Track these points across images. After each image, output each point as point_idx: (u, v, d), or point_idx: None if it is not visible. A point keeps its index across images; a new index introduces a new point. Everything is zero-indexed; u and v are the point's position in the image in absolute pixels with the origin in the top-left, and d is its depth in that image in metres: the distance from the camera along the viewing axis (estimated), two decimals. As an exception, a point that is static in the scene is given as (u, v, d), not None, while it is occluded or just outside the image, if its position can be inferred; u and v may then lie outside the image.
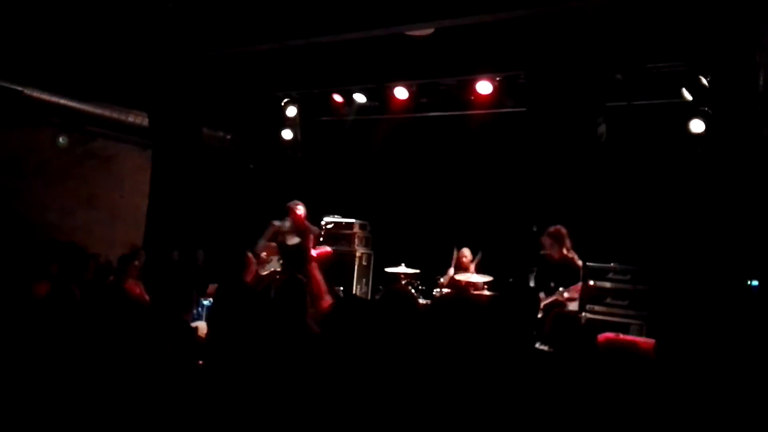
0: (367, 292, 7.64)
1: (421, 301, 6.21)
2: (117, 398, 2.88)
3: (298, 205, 6.40)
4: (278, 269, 6.20)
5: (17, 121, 6.93)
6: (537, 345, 3.31)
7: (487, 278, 6.45)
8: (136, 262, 5.86)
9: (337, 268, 7.18)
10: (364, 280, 7.75)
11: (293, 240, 6.25)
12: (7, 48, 6.28)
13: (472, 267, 6.76)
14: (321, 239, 6.92)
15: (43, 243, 6.36)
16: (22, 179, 7.04)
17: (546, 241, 5.79)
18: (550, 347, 3.17)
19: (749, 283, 5.66)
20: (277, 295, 3.58)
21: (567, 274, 5.70)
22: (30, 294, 4.82)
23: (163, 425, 2.78)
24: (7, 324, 3.84)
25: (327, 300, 5.65)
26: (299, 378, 2.54)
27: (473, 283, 6.49)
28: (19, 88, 6.63)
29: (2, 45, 6.23)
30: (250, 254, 4.78)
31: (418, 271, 7.02)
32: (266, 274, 6.17)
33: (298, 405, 2.45)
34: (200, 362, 3.17)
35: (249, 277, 4.66)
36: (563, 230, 5.81)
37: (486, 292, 6.32)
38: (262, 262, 6.15)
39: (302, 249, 6.19)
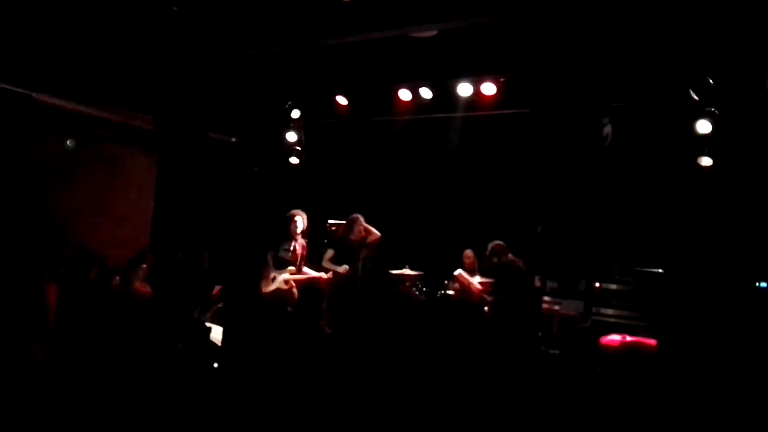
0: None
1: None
2: (128, 394, 2.92)
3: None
4: (284, 287, 6.09)
5: (26, 124, 7.01)
6: (543, 348, 3.31)
7: (488, 279, 6.41)
8: (144, 265, 5.88)
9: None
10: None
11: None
12: (16, 53, 6.37)
13: (476, 270, 6.75)
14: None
15: (51, 246, 6.43)
16: (30, 182, 7.11)
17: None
18: (556, 350, 3.18)
19: (758, 284, 5.63)
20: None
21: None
22: (42, 296, 4.86)
23: (174, 422, 2.80)
24: (17, 325, 3.87)
25: None
26: (312, 377, 2.56)
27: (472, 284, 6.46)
28: (29, 93, 6.76)
29: (12, 51, 6.33)
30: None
31: (421, 272, 7.02)
32: (271, 291, 6.06)
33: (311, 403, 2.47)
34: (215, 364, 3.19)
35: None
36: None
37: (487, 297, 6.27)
38: (266, 279, 6.08)
39: None
